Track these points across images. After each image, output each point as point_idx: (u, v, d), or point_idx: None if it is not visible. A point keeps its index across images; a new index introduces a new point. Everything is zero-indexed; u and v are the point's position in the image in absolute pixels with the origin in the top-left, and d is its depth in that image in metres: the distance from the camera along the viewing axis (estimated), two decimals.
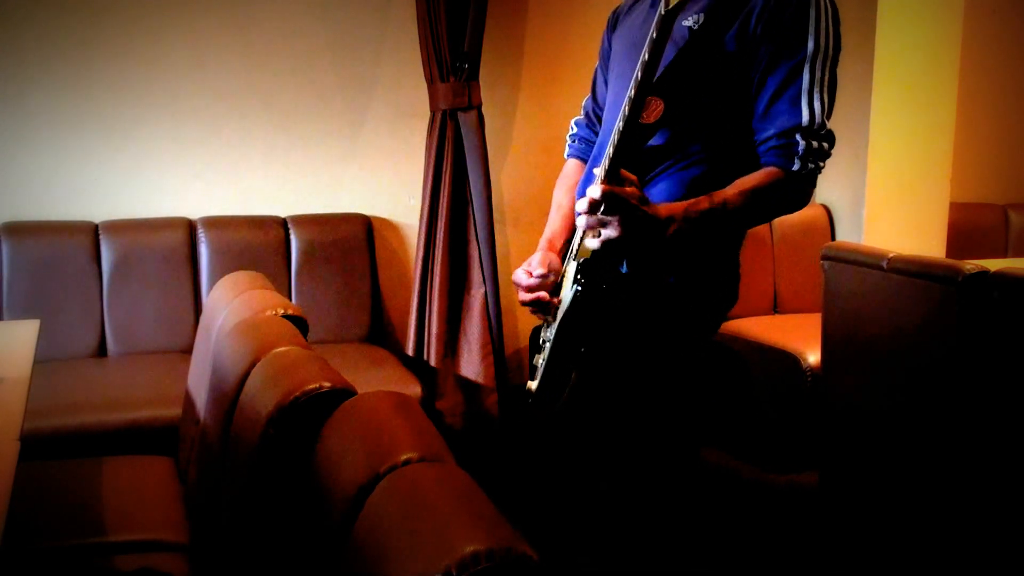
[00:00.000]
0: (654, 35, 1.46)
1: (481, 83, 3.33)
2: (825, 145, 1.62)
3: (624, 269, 1.69)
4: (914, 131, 3.62)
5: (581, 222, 1.58)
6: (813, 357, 3.11)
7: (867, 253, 2.68)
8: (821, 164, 1.63)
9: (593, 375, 1.77)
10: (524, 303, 1.82)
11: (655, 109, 1.65)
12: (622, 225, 1.52)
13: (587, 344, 1.72)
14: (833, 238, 3.76)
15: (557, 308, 1.76)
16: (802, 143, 1.60)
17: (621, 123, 1.55)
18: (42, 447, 2.39)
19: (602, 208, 1.51)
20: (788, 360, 3.21)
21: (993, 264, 2.36)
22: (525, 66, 3.67)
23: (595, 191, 1.52)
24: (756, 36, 1.61)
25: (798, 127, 1.60)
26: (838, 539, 2.76)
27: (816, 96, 1.60)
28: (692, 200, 1.60)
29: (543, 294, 1.75)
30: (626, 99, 1.53)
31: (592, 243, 1.57)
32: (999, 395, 2.29)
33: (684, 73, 1.65)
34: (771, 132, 1.62)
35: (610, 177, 1.55)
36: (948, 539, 2.45)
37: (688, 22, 1.65)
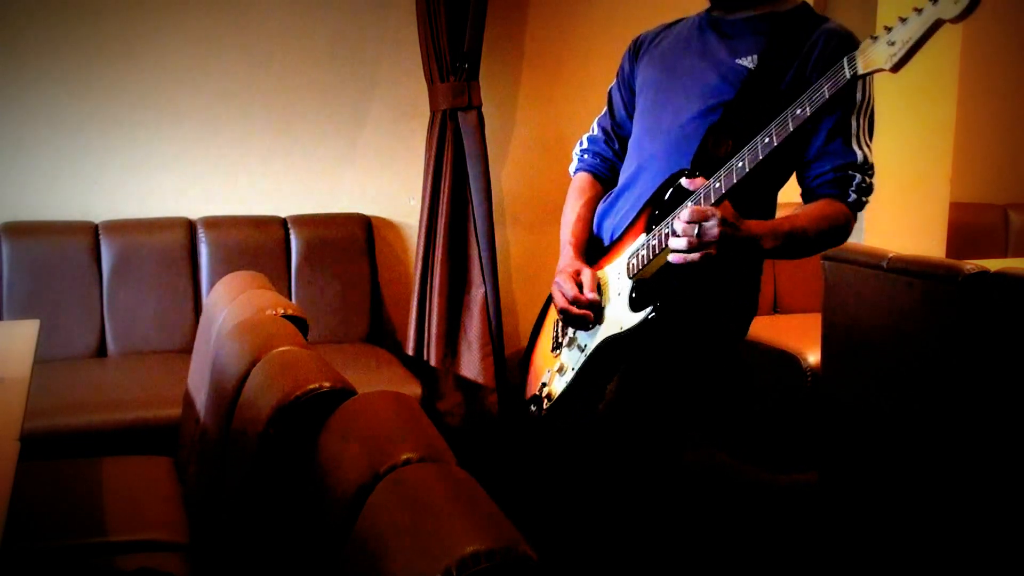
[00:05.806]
0: (826, 94, 1.49)
1: (481, 83, 3.33)
2: (874, 182, 1.73)
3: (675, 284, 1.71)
4: (914, 131, 3.62)
5: (679, 244, 1.57)
6: (813, 357, 3.11)
7: (867, 253, 2.68)
8: (868, 199, 1.74)
9: (633, 387, 1.80)
10: (566, 315, 1.82)
11: (725, 148, 1.69)
12: (719, 246, 1.56)
13: (632, 359, 1.76)
14: None
15: (595, 323, 1.78)
16: (857, 176, 1.70)
17: (749, 161, 1.55)
18: (42, 447, 2.39)
19: (697, 230, 1.54)
20: (788, 360, 3.21)
21: (993, 264, 2.36)
22: (525, 66, 3.67)
23: (709, 219, 1.55)
24: (811, 82, 1.61)
25: (853, 164, 1.70)
26: (838, 539, 2.76)
27: (864, 141, 1.72)
28: (774, 222, 1.67)
29: (589, 313, 1.79)
30: (761, 146, 1.54)
31: (679, 256, 1.58)
32: (999, 395, 2.29)
33: (745, 113, 1.69)
34: (827, 167, 1.71)
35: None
36: (948, 538, 2.45)
37: (745, 61, 1.71)
